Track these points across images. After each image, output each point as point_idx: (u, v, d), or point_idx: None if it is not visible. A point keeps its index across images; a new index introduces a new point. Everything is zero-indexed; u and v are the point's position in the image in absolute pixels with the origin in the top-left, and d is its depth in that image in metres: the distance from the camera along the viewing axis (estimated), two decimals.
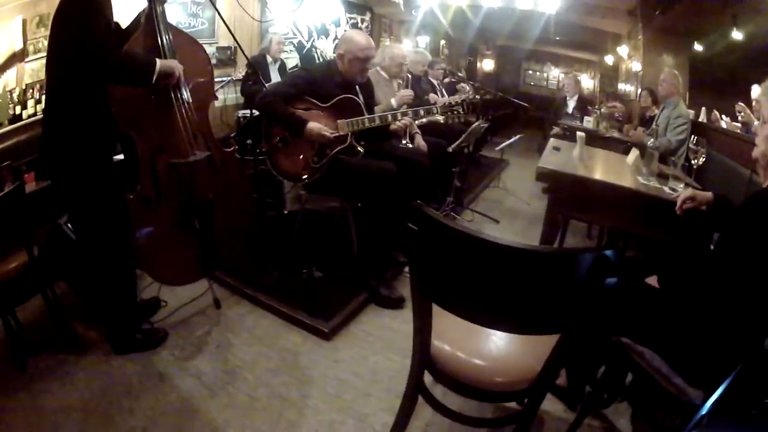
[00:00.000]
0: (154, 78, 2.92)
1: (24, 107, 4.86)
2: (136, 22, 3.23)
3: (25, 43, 4.86)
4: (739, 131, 6.39)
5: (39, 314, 3.45)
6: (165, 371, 3.13)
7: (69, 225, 3.52)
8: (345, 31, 10.25)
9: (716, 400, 1.98)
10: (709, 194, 2.81)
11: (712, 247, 2.86)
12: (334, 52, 9.00)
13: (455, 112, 4.56)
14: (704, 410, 2.00)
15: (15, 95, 4.84)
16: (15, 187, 2.99)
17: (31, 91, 4.93)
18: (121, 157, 3.32)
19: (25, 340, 3.19)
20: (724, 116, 7.10)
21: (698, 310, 2.17)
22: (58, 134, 2.91)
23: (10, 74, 4.84)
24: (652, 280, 2.70)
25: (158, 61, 2.94)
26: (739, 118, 6.59)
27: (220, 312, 3.75)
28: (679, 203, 2.88)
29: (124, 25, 3.17)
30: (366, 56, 4.14)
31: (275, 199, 5.00)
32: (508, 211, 7.15)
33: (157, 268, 3.36)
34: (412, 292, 1.96)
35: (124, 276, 3.24)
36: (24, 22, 4.85)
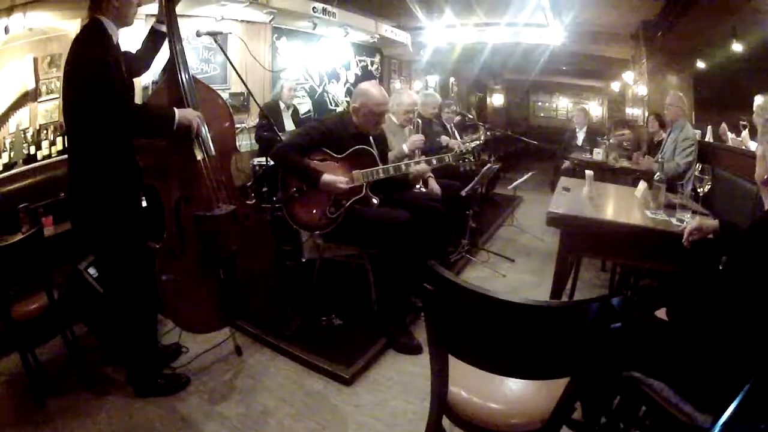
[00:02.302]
0: (174, 128, 3.03)
1: (39, 148, 4.95)
2: (144, 44, 3.40)
3: (37, 82, 4.96)
4: (744, 147, 6.44)
5: (60, 354, 3.53)
6: (188, 416, 3.19)
7: (89, 270, 3.61)
8: (356, 75, 10.45)
9: (725, 422, 2.00)
10: (715, 222, 2.86)
11: (720, 268, 2.86)
12: (345, 97, 9.16)
13: (467, 160, 4.61)
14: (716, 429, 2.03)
15: (29, 135, 4.92)
16: (34, 231, 3.13)
17: (45, 132, 5.01)
18: (144, 204, 3.40)
19: (46, 379, 3.29)
20: (729, 132, 7.14)
21: (706, 333, 2.22)
22: (83, 179, 3.00)
23: (23, 113, 4.93)
24: (661, 313, 2.76)
25: (177, 113, 3.05)
26: (743, 132, 6.65)
27: (241, 359, 3.80)
28: (685, 236, 2.93)
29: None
30: (381, 111, 4.22)
31: (293, 247, 5.05)
32: (523, 249, 7.15)
33: (182, 315, 3.44)
34: (429, 343, 2.02)
35: (146, 321, 3.32)
36: (35, 60, 4.95)
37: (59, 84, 4.63)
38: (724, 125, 7.18)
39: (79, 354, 3.46)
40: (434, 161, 4.43)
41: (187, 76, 3.29)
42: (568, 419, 2.90)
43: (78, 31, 3.05)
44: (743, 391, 2.01)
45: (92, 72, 2.81)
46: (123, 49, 3.16)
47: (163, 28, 3.32)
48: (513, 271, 6.22)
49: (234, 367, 3.73)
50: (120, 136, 2.97)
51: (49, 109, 5.02)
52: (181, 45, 3.33)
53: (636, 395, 2.41)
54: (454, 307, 1.87)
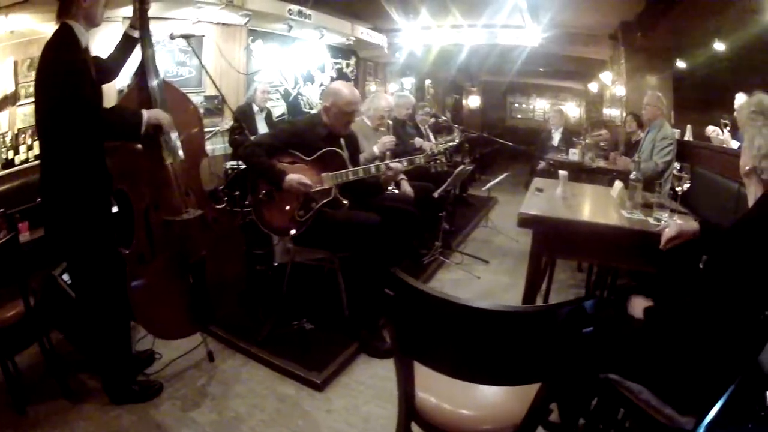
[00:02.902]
0: (142, 131, 3.01)
1: (16, 152, 4.91)
2: (117, 48, 3.38)
3: (16, 85, 4.93)
4: (726, 145, 6.48)
5: (38, 362, 3.49)
6: (162, 422, 3.17)
7: (63, 276, 3.58)
8: (331, 78, 10.44)
9: (710, 422, 2.02)
10: (694, 225, 2.82)
11: (700, 266, 2.86)
12: (320, 100, 9.15)
13: (438, 161, 4.58)
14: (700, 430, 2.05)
15: (7, 139, 4.89)
16: (10, 237, 3.08)
17: (23, 136, 4.98)
18: (115, 209, 3.39)
19: (24, 387, 3.26)
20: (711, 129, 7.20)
21: (686, 335, 2.21)
22: (54, 185, 2.98)
23: (2, 117, 4.90)
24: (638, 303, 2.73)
25: (144, 114, 3.03)
26: (725, 131, 6.72)
27: (214, 365, 3.79)
28: (663, 242, 2.88)
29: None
30: (352, 110, 4.21)
31: (264, 251, 5.04)
32: (498, 250, 7.16)
33: (154, 322, 3.43)
34: (394, 350, 2.01)
35: (120, 328, 3.29)
36: (15, 63, 4.92)
37: None
38: (710, 127, 7.24)
39: (57, 361, 3.43)
40: (405, 163, 4.41)
41: (156, 81, 3.28)
42: (545, 422, 2.92)
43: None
44: (729, 390, 2.03)
45: (61, 76, 2.80)
46: (95, 53, 3.15)
47: (136, 34, 3.31)
48: (488, 272, 6.24)
49: (206, 373, 3.71)
50: (90, 140, 2.94)
51: (27, 113, 4.99)
52: (153, 49, 3.33)
53: (614, 398, 2.41)
54: (417, 313, 1.85)
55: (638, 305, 2.68)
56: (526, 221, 3.68)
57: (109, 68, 3.32)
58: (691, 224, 2.84)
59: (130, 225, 3.26)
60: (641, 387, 2.27)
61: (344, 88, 4.26)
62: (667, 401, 2.20)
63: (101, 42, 3.15)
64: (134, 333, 3.64)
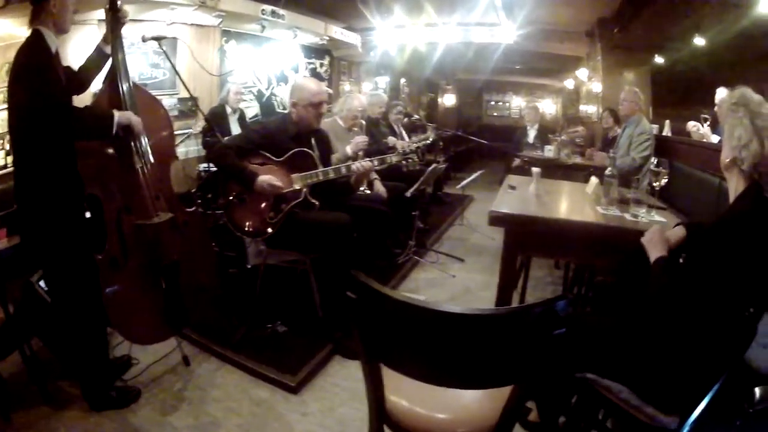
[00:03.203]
0: (114, 130, 3.01)
1: None
2: (91, 58, 3.37)
3: None
4: (705, 140, 6.53)
5: (20, 370, 3.47)
6: (141, 427, 3.16)
7: (40, 283, 3.56)
8: (304, 78, 10.36)
9: (697, 420, 2.04)
10: (679, 233, 2.73)
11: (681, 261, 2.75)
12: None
13: (410, 160, 4.58)
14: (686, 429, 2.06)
15: None
16: None
17: (1, 141, 4.92)
18: (88, 215, 3.36)
19: (8, 394, 3.24)
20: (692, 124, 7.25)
21: (667, 333, 2.22)
22: (26, 191, 2.98)
23: None
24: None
25: (116, 114, 3.03)
26: (705, 126, 6.77)
27: (189, 369, 3.77)
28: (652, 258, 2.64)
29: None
30: (319, 101, 4.22)
31: (237, 253, 5.03)
32: (473, 248, 7.20)
33: (129, 327, 3.40)
34: (359, 354, 1.97)
35: (96, 334, 3.28)
36: None
37: None
38: (691, 122, 7.28)
39: (38, 369, 3.41)
40: (376, 162, 4.42)
41: (127, 85, 3.27)
42: (524, 421, 2.94)
43: None
44: (714, 388, 2.05)
45: (31, 79, 2.82)
46: (69, 61, 3.17)
47: (108, 49, 3.30)
48: (463, 270, 6.27)
49: (182, 377, 3.70)
50: (62, 143, 2.94)
51: (5, 118, 4.87)
52: (124, 53, 3.31)
53: (592, 397, 2.40)
54: (381, 317, 1.80)
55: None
56: (497, 219, 3.66)
57: (80, 80, 3.31)
58: (677, 234, 2.74)
59: (102, 230, 3.24)
60: (620, 386, 2.26)
61: (308, 81, 4.34)
62: (648, 400, 2.20)
63: (76, 45, 3.13)
64: (111, 339, 3.62)
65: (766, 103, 2.31)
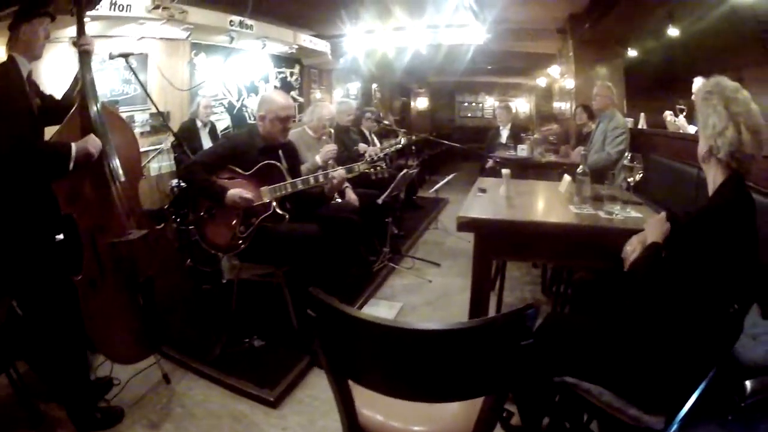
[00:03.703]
0: (71, 165, 3.01)
1: None
2: (70, 91, 3.39)
3: None
4: (682, 131, 6.57)
5: (7, 393, 3.46)
6: None
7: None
8: (275, 87, 10.35)
9: (686, 418, 2.04)
10: (666, 229, 2.60)
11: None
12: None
13: (378, 168, 4.56)
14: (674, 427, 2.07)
15: None
16: None
17: None
18: (61, 237, 3.35)
19: None
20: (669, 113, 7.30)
21: (649, 332, 2.21)
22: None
23: None
24: None
25: (73, 146, 3.04)
26: (681, 116, 6.83)
27: (170, 387, 3.77)
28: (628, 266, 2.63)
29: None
30: (287, 115, 4.25)
31: (213, 269, 5.05)
32: (449, 252, 7.20)
33: (111, 347, 3.43)
34: (325, 370, 1.93)
35: (76, 356, 3.28)
36: None
37: None
38: (668, 112, 7.32)
39: (24, 392, 3.39)
40: (343, 171, 4.43)
41: (96, 107, 3.28)
42: (507, 426, 2.95)
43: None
44: (701, 386, 2.05)
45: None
46: (40, 82, 3.25)
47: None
48: (440, 275, 6.29)
49: (164, 395, 3.70)
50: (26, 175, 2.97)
51: None
52: (92, 75, 3.32)
53: (573, 400, 2.40)
54: (343, 334, 1.77)
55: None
56: (466, 225, 3.61)
57: (63, 108, 3.32)
58: (651, 232, 2.62)
59: (77, 251, 3.24)
60: (601, 388, 2.27)
61: (276, 95, 4.37)
62: (631, 401, 2.20)
63: (48, 63, 3.16)
64: (92, 360, 3.64)
65: (742, 89, 2.29)
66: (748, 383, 2.31)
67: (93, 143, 3.14)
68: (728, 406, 2.24)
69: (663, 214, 2.73)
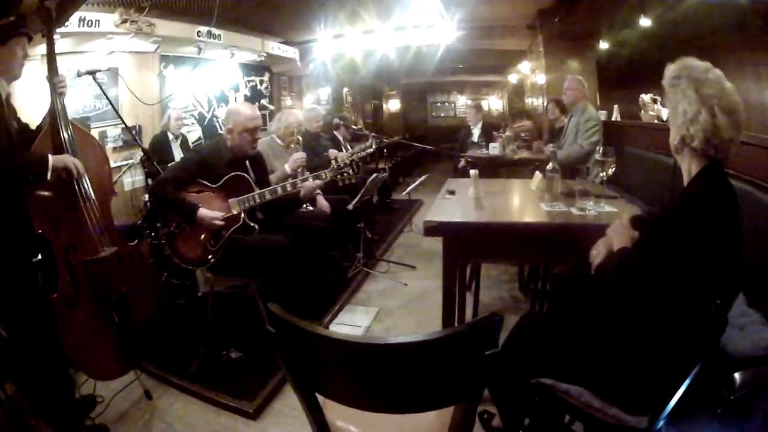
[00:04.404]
0: (48, 175, 3.04)
1: None
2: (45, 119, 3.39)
3: None
4: (657, 120, 6.62)
5: None
6: None
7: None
8: (245, 96, 10.45)
9: (673, 415, 2.01)
10: (633, 234, 2.49)
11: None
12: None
13: (345, 174, 4.60)
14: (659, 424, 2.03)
15: None
16: None
17: None
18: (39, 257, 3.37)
19: None
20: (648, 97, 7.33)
21: (627, 330, 2.16)
22: None
23: None
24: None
25: (50, 158, 3.06)
26: (656, 105, 6.88)
27: (152, 402, 3.79)
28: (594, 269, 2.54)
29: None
30: (255, 126, 4.27)
31: (188, 282, 5.07)
32: (425, 254, 7.17)
33: (89, 364, 3.43)
34: (292, 386, 1.89)
35: (58, 374, 3.30)
36: None
37: None
38: (643, 96, 7.36)
39: (13, 411, 3.37)
40: (311, 179, 4.48)
41: (68, 132, 3.32)
42: (489, 427, 2.98)
43: None
44: (685, 384, 1.97)
45: None
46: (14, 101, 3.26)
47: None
48: (415, 278, 6.31)
49: (146, 411, 3.72)
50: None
51: None
52: (63, 100, 3.36)
53: (552, 402, 2.32)
54: (305, 351, 1.74)
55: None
56: (432, 230, 3.49)
57: (34, 133, 3.37)
58: (618, 238, 2.50)
59: (52, 270, 3.26)
60: (580, 389, 2.20)
61: (242, 107, 4.35)
62: (612, 401, 2.13)
63: (21, 80, 3.18)
64: (76, 378, 3.65)
65: (713, 68, 2.15)
66: (737, 375, 2.27)
67: (72, 160, 3.17)
68: (717, 399, 2.22)
69: (626, 219, 2.63)
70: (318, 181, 4.54)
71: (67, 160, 3.16)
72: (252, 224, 4.23)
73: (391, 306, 5.51)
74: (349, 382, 1.77)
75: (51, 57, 3.39)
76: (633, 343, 2.13)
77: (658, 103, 7.21)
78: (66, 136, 3.30)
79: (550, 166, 3.96)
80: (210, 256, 4.08)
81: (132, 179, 7.17)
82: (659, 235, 2.11)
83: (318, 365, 1.77)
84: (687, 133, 2.12)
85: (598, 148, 3.92)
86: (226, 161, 4.26)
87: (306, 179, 4.51)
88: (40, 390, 3.28)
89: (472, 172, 4.37)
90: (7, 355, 3.45)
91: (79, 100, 6.41)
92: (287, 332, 1.74)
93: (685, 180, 2.24)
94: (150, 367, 4.10)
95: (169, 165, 5.47)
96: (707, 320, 1.99)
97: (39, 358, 3.18)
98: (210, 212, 4.04)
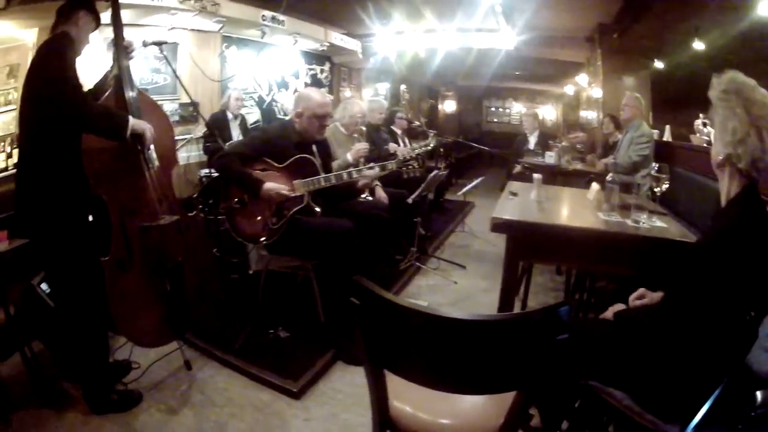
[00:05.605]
0: (128, 133, 3.02)
1: None
2: (102, 82, 3.37)
3: None
4: (706, 144, 6.50)
5: (20, 371, 3.47)
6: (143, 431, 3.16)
7: (42, 285, 3.56)
8: (305, 84, 10.44)
9: (696, 426, 1.98)
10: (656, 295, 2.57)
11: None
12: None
13: (410, 167, 4.60)
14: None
15: None
16: None
17: (2, 144, 4.88)
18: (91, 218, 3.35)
19: (8, 395, 3.24)
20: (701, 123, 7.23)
21: (665, 342, 2.14)
22: (31, 193, 2.99)
23: None
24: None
25: (131, 119, 3.04)
26: (707, 129, 6.76)
27: (191, 373, 3.76)
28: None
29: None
30: (324, 113, 4.23)
31: (240, 259, 5.03)
32: (475, 255, 7.18)
33: (133, 330, 3.41)
34: (364, 360, 1.94)
35: (97, 337, 3.28)
36: None
37: (17, 95, 4.54)
38: (698, 121, 7.27)
39: (39, 371, 3.42)
40: (377, 169, 4.44)
41: (132, 93, 3.28)
42: (527, 427, 2.91)
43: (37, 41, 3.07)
44: (713, 396, 1.97)
45: (53, 62, 2.86)
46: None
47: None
48: (465, 277, 6.24)
49: (184, 381, 3.69)
50: (74, 133, 2.94)
51: (6, 120, 4.87)
52: (127, 62, 3.32)
53: (596, 403, 2.34)
54: (385, 323, 1.79)
55: (611, 309, 2.62)
56: (499, 226, 3.58)
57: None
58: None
59: (106, 233, 3.23)
60: (623, 394, 2.22)
61: (314, 93, 4.31)
62: (648, 409, 2.15)
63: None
64: (112, 342, 3.62)
65: (759, 87, 2.13)
66: (758, 393, 2.20)
67: (147, 126, 3.16)
68: (739, 415, 2.17)
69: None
70: (378, 171, 4.48)
71: (144, 125, 3.14)
72: (315, 207, 4.18)
73: (440, 302, 5.45)
74: (423, 357, 1.79)
75: (117, 21, 3.35)
76: (671, 355, 2.13)
77: (708, 126, 7.05)
78: (132, 101, 3.26)
79: (610, 177, 4.02)
80: (270, 234, 4.02)
81: (187, 154, 7.22)
82: (702, 263, 2.12)
83: (394, 339, 1.81)
84: (734, 152, 2.10)
85: (653, 164, 3.93)
86: (293, 143, 4.23)
87: (372, 168, 4.47)
88: (75, 349, 3.27)
89: (536, 176, 4.50)
90: (38, 314, 3.45)
91: (137, 73, 6.38)
92: (371, 304, 1.76)
93: (723, 198, 2.26)
94: (194, 339, 4.08)
95: (230, 142, 5.44)
96: (741, 331, 2.02)
97: (81, 317, 3.16)
98: (276, 185, 3.99)
